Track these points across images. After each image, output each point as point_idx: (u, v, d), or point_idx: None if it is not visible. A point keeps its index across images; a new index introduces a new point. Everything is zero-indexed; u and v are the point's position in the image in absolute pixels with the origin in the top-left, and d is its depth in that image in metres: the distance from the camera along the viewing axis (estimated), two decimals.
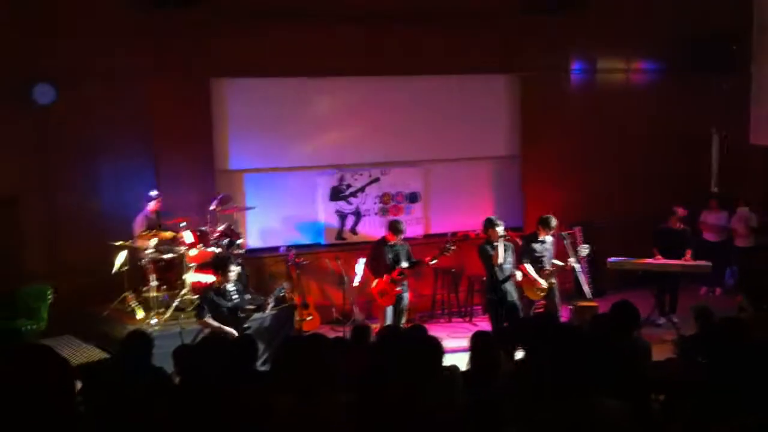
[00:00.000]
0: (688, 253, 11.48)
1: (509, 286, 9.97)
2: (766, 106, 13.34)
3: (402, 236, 10.16)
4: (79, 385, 5.44)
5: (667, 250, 11.48)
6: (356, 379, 5.05)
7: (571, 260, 10.42)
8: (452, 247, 10.21)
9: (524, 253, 10.31)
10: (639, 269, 11.53)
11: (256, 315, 8.89)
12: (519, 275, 10.03)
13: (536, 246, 10.32)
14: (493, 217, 10.05)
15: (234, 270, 8.60)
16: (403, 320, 10.17)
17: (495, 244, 9.81)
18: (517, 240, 10.84)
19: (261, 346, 9.16)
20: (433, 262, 10.23)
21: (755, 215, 12.63)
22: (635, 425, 4.54)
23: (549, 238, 10.41)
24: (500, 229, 9.80)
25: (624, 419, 4.33)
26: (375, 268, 10.23)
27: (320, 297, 11.82)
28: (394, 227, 10.10)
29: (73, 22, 10.28)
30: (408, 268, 10.05)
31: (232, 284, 8.59)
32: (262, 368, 8.73)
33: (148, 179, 10.63)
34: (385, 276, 10.04)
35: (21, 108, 10.13)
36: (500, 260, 9.81)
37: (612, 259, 11.49)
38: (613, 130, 13.31)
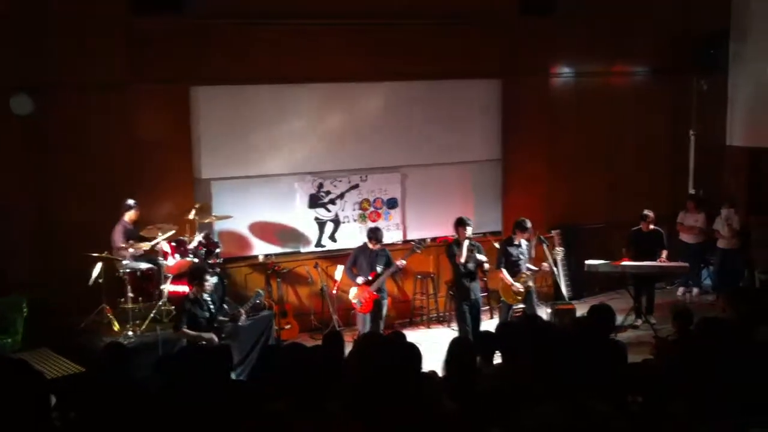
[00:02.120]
0: (663, 254, 11.60)
1: (474, 284, 10.23)
2: (741, 108, 13.51)
3: (381, 243, 10.23)
4: (54, 399, 5.39)
5: (641, 252, 11.62)
6: (336, 386, 5.03)
7: (545, 265, 10.59)
8: (420, 247, 10.57)
9: (500, 257, 10.44)
10: (616, 271, 11.60)
11: (232, 324, 8.81)
12: (483, 257, 10.22)
13: (512, 250, 10.44)
14: (464, 217, 10.26)
15: (210, 280, 8.54)
16: (382, 327, 10.21)
17: (461, 242, 10.08)
18: (495, 245, 10.94)
19: (238, 356, 9.15)
20: (403, 263, 10.38)
21: (737, 217, 12.71)
22: (621, 427, 4.56)
23: (525, 242, 10.53)
24: (469, 230, 10.06)
25: (613, 422, 4.34)
26: (353, 275, 10.28)
27: (299, 305, 11.80)
28: (373, 234, 10.18)
29: (53, 31, 10.17)
30: (380, 273, 10.14)
31: (209, 294, 8.53)
32: (240, 378, 8.72)
33: (126, 188, 10.52)
34: (360, 278, 10.13)
35: (3, 118, 10.03)
36: (463, 259, 10.00)
37: (589, 261, 11.54)
38: (594, 133, 13.39)
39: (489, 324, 10.79)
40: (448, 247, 10.39)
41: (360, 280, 10.16)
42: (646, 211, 11.79)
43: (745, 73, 13.42)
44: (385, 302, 10.34)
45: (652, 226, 11.76)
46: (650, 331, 10.98)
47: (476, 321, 10.29)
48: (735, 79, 13.58)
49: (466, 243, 10.04)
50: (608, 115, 13.48)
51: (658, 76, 13.72)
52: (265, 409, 4.60)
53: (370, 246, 10.18)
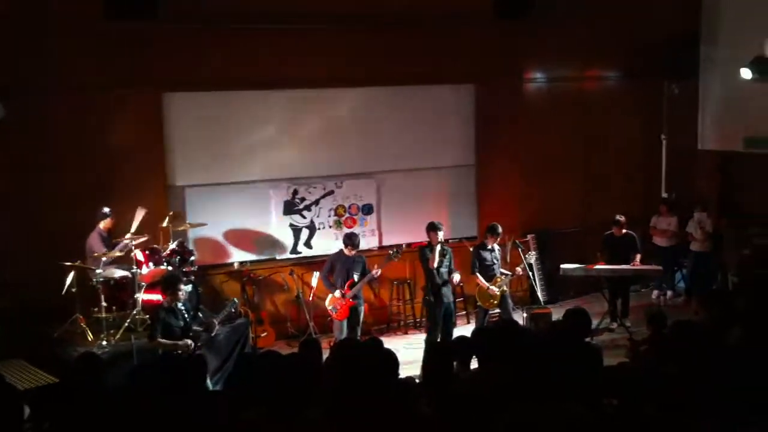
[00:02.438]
0: (637, 257, 11.70)
1: (445, 289, 10.23)
2: (712, 112, 13.65)
3: (357, 249, 10.23)
4: (27, 410, 5.33)
5: (614, 256, 11.71)
6: (314, 393, 5.01)
7: (518, 269, 10.70)
8: (397, 255, 10.53)
9: (474, 262, 10.50)
10: (590, 275, 11.68)
11: (206, 333, 8.73)
12: (456, 277, 10.30)
13: (485, 255, 10.55)
14: (435, 222, 10.28)
15: (184, 288, 8.47)
16: (359, 333, 10.19)
17: (434, 247, 10.13)
18: (471, 249, 10.98)
19: (214, 364, 9.08)
20: (379, 272, 10.33)
21: (710, 220, 12.83)
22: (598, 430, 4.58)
23: (497, 246, 10.63)
24: (440, 234, 10.14)
25: (590, 425, 4.36)
26: (330, 282, 10.25)
27: (275, 312, 11.74)
28: (349, 240, 10.17)
29: (23, 36, 10.03)
30: (358, 281, 10.10)
31: (183, 303, 8.45)
32: (216, 387, 8.65)
33: (100, 196, 10.41)
34: (337, 291, 10.07)
35: None
36: (436, 263, 10.05)
37: (564, 265, 11.60)
38: (567, 137, 13.47)
39: (465, 329, 10.80)
40: (421, 251, 10.41)
41: (337, 293, 10.09)
42: (617, 216, 11.89)
43: (715, 76, 13.55)
44: (362, 309, 10.32)
45: (624, 231, 11.86)
46: (625, 334, 11.04)
47: (449, 325, 10.29)
48: (706, 82, 13.72)
49: (438, 247, 10.09)
50: (581, 119, 13.56)
51: (630, 81, 13.84)
52: (243, 417, 4.57)
53: (346, 252, 10.15)
